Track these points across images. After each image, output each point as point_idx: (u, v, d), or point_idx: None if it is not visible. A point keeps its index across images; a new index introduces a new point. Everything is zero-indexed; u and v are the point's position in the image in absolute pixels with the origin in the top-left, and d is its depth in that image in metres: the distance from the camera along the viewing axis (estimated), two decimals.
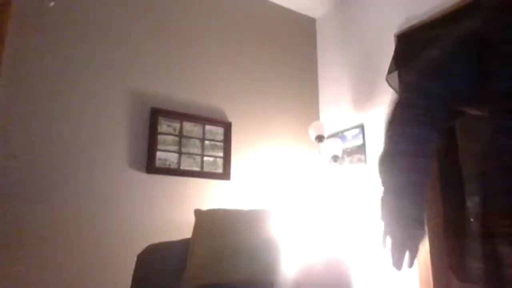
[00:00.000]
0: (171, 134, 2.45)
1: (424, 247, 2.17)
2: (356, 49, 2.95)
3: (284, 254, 1.82)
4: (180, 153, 2.46)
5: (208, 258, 1.77)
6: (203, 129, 2.58)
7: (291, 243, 1.90)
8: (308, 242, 1.99)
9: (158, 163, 2.36)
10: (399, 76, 2.39)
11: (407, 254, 0.90)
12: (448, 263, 2.18)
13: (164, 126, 2.43)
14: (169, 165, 2.40)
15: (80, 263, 2.04)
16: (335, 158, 2.61)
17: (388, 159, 0.94)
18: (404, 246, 0.90)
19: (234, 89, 2.82)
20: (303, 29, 3.36)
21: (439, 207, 2.25)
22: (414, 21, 2.42)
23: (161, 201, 2.34)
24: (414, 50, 2.35)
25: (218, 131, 2.64)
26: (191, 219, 1.96)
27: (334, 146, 2.62)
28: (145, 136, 2.37)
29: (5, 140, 1.97)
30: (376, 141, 2.63)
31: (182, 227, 2.20)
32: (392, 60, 2.45)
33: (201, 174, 2.51)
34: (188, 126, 2.52)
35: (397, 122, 0.94)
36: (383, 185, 0.95)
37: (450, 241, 2.21)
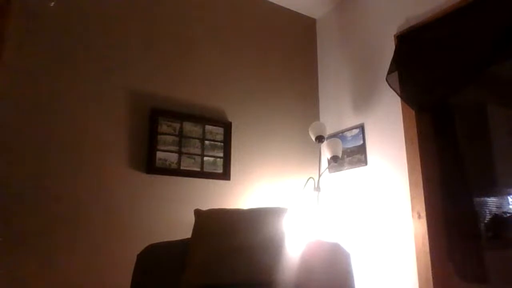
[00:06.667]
0: (171, 134, 2.45)
1: (424, 248, 2.17)
2: (356, 50, 2.95)
3: (284, 254, 1.82)
4: (180, 153, 2.46)
5: (208, 258, 1.77)
6: (203, 129, 2.59)
7: (292, 242, 1.90)
8: (308, 240, 1.98)
9: (158, 163, 2.36)
10: (399, 76, 2.39)
11: None
12: (448, 264, 2.19)
13: (164, 126, 2.43)
14: (169, 165, 2.40)
15: (80, 262, 2.04)
16: (335, 158, 2.61)
17: None
18: None
19: (234, 89, 2.82)
20: (303, 29, 3.36)
21: (440, 206, 2.25)
22: (414, 22, 2.43)
23: (161, 201, 2.34)
24: (414, 51, 2.36)
25: (218, 131, 2.64)
26: (191, 219, 1.96)
27: (334, 147, 2.62)
28: (145, 136, 2.37)
29: (5, 141, 1.97)
30: (376, 141, 2.63)
31: (182, 227, 2.21)
32: (392, 60, 2.45)
33: (201, 174, 2.52)
34: (188, 126, 2.52)
35: None
36: None
37: (451, 240, 2.21)
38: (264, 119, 2.91)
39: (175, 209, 2.37)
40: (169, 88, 2.53)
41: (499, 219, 2.17)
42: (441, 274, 2.14)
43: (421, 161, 2.29)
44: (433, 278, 2.11)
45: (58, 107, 2.14)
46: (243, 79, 2.88)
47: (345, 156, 2.82)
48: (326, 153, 2.69)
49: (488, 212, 2.20)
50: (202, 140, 2.57)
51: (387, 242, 2.42)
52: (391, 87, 2.42)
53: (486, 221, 2.19)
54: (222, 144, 2.64)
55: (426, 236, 2.17)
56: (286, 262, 1.80)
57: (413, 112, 2.36)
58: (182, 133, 2.49)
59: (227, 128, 2.68)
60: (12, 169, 1.97)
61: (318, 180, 2.64)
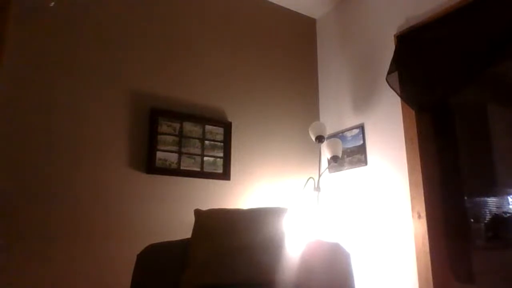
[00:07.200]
0: (171, 134, 2.45)
1: (424, 248, 2.17)
2: (356, 50, 2.95)
3: (284, 254, 1.82)
4: (180, 153, 2.46)
5: (208, 258, 1.77)
6: (203, 129, 2.59)
7: (292, 242, 1.90)
8: (308, 240, 1.98)
9: (158, 163, 2.36)
10: (399, 76, 2.39)
11: None
12: (448, 264, 2.19)
13: (164, 126, 2.43)
14: (169, 165, 2.40)
15: (80, 262, 2.04)
16: (335, 158, 2.61)
17: None
18: None
19: (234, 89, 2.82)
20: (303, 29, 3.36)
21: (439, 207, 2.25)
22: (414, 22, 2.43)
23: (161, 201, 2.34)
24: (414, 51, 2.35)
25: (218, 131, 2.64)
26: (191, 219, 1.96)
27: (334, 147, 2.62)
28: (145, 136, 2.37)
29: (5, 140, 1.97)
30: (376, 141, 2.63)
31: (182, 227, 2.21)
32: (392, 60, 2.45)
33: (201, 174, 2.52)
34: (188, 126, 2.52)
35: None
36: None
37: (450, 241, 2.21)
38: (264, 119, 2.91)
39: (175, 209, 2.37)
40: (169, 88, 2.53)
41: (499, 219, 2.17)
42: (441, 274, 2.14)
43: (421, 161, 2.28)
44: (433, 278, 2.11)
45: (58, 107, 2.14)
46: (243, 79, 2.88)
47: (345, 156, 2.82)
48: (326, 153, 2.69)
49: (488, 212, 2.20)
50: (202, 140, 2.57)
51: (387, 242, 2.42)
52: (391, 87, 2.42)
53: (486, 221, 2.18)
54: (222, 144, 2.64)
55: (426, 236, 2.17)
56: (286, 262, 1.80)
57: (413, 112, 2.36)
58: (182, 133, 2.49)
59: (227, 128, 2.68)
60: (12, 170, 1.97)
61: (318, 180, 2.64)
